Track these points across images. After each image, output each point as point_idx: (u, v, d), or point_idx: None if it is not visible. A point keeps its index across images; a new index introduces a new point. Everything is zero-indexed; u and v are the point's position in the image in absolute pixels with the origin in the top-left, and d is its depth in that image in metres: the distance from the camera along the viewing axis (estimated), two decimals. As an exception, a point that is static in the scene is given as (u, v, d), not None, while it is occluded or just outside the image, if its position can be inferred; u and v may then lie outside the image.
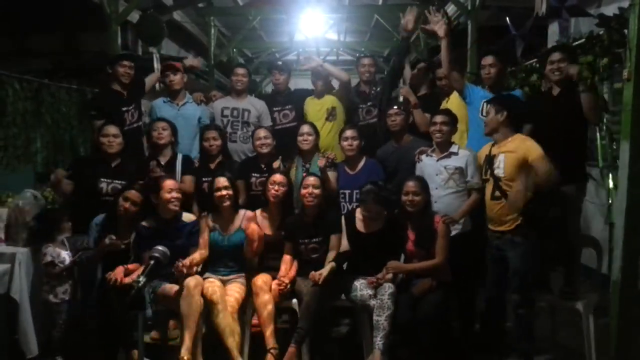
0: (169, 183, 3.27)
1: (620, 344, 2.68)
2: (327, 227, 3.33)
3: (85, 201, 3.48)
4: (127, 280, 3.02)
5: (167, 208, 3.23)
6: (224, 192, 3.30)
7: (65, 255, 3.19)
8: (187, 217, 3.38)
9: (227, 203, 3.33)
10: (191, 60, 4.57)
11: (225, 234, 3.35)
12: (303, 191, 3.32)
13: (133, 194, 3.28)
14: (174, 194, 3.24)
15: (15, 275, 3.08)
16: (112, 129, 3.56)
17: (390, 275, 3.09)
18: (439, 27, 3.62)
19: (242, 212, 3.43)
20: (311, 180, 3.34)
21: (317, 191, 3.30)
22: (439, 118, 3.38)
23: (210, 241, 3.33)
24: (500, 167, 3.02)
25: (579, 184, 3.27)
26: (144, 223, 3.27)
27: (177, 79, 4.09)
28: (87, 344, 3.17)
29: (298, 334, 2.96)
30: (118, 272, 3.05)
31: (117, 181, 3.50)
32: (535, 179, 2.89)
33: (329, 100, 4.12)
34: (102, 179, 3.50)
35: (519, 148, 2.98)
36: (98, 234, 3.26)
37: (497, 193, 3.04)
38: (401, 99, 4.07)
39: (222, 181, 3.33)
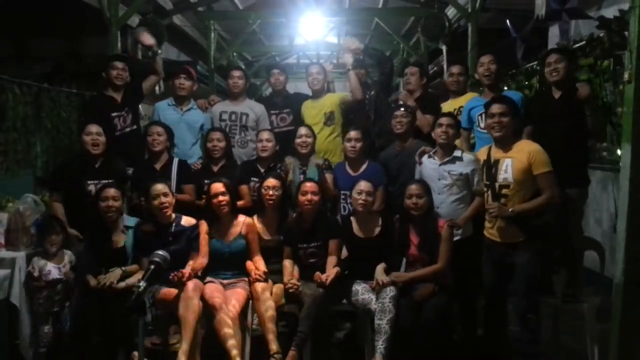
0: (155, 188, 3.19)
1: (623, 347, 2.66)
2: (325, 232, 3.31)
3: (74, 204, 3.39)
4: (122, 285, 3.00)
5: (160, 214, 3.20)
6: (220, 199, 3.25)
7: (52, 269, 3.10)
8: (187, 221, 3.32)
9: (225, 209, 3.27)
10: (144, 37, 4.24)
11: (225, 241, 3.30)
12: (301, 198, 3.28)
13: (109, 191, 3.17)
14: (163, 199, 3.17)
15: (15, 280, 3.06)
16: (94, 127, 3.48)
17: (389, 279, 3.07)
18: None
19: (241, 217, 3.37)
20: (309, 186, 3.30)
21: (315, 197, 3.28)
22: (445, 120, 3.30)
23: (211, 248, 3.28)
24: (508, 171, 2.96)
25: (581, 187, 3.26)
26: (142, 227, 3.23)
27: (187, 85, 4.05)
28: (87, 349, 3.15)
29: (298, 338, 2.94)
30: (113, 276, 3.02)
31: (103, 181, 3.38)
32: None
33: (328, 104, 4.08)
34: (89, 181, 3.42)
35: (526, 156, 2.92)
36: (88, 241, 3.23)
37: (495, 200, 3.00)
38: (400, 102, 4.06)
39: (218, 187, 3.28)
